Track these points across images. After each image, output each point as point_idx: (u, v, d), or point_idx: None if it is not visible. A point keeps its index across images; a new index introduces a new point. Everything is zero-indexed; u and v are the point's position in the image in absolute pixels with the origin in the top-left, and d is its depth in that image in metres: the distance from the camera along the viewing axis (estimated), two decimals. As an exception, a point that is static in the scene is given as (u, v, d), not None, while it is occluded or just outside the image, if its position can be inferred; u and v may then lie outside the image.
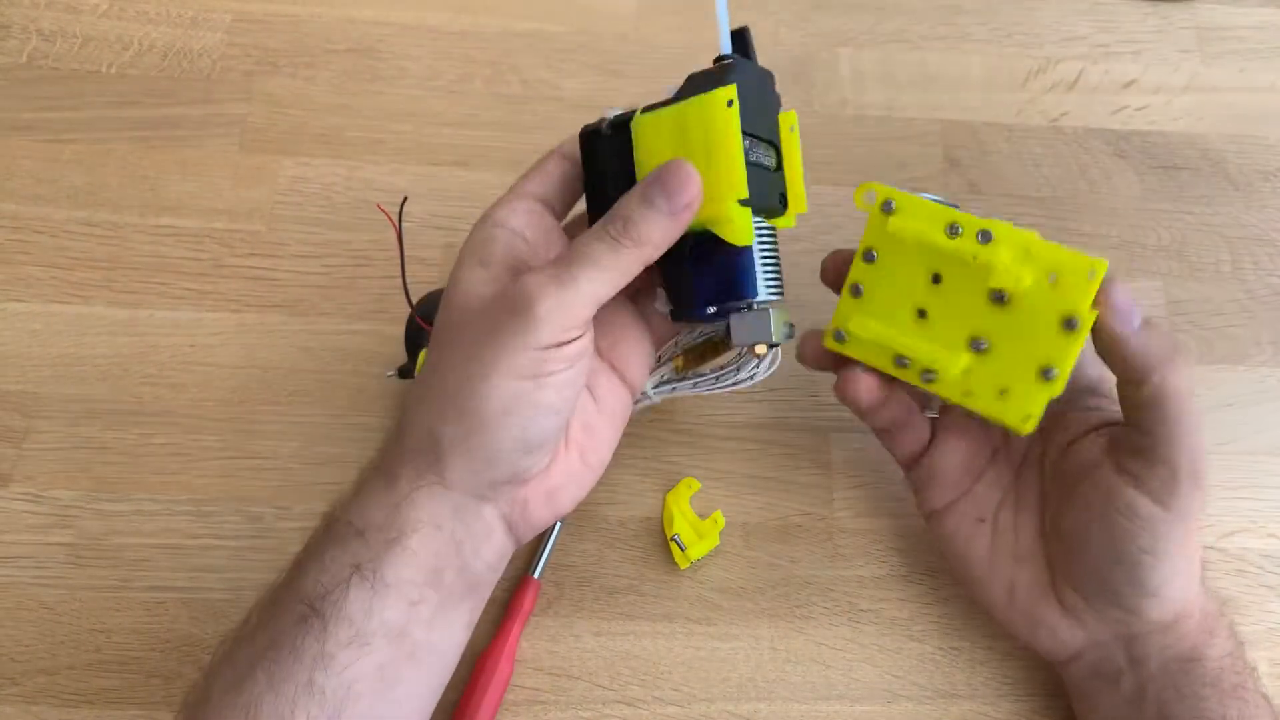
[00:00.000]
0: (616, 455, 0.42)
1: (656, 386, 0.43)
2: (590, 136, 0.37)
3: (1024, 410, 0.35)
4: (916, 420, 0.40)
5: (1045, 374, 0.34)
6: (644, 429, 0.48)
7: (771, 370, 0.40)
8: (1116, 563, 0.36)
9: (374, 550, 0.33)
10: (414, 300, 0.44)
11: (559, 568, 0.45)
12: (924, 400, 0.41)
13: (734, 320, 0.36)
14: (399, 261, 0.44)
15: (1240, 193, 0.55)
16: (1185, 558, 0.36)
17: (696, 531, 0.45)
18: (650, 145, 0.35)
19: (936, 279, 0.36)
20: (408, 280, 0.44)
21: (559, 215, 0.38)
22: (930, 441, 0.41)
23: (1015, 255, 0.34)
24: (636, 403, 0.41)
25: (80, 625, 0.43)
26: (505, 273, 0.35)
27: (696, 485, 0.46)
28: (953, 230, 0.35)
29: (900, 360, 0.36)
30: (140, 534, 0.45)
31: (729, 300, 0.36)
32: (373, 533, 0.34)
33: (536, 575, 0.44)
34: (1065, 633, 0.39)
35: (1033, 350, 0.34)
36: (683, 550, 0.44)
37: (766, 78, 0.36)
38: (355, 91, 0.55)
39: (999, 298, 0.34)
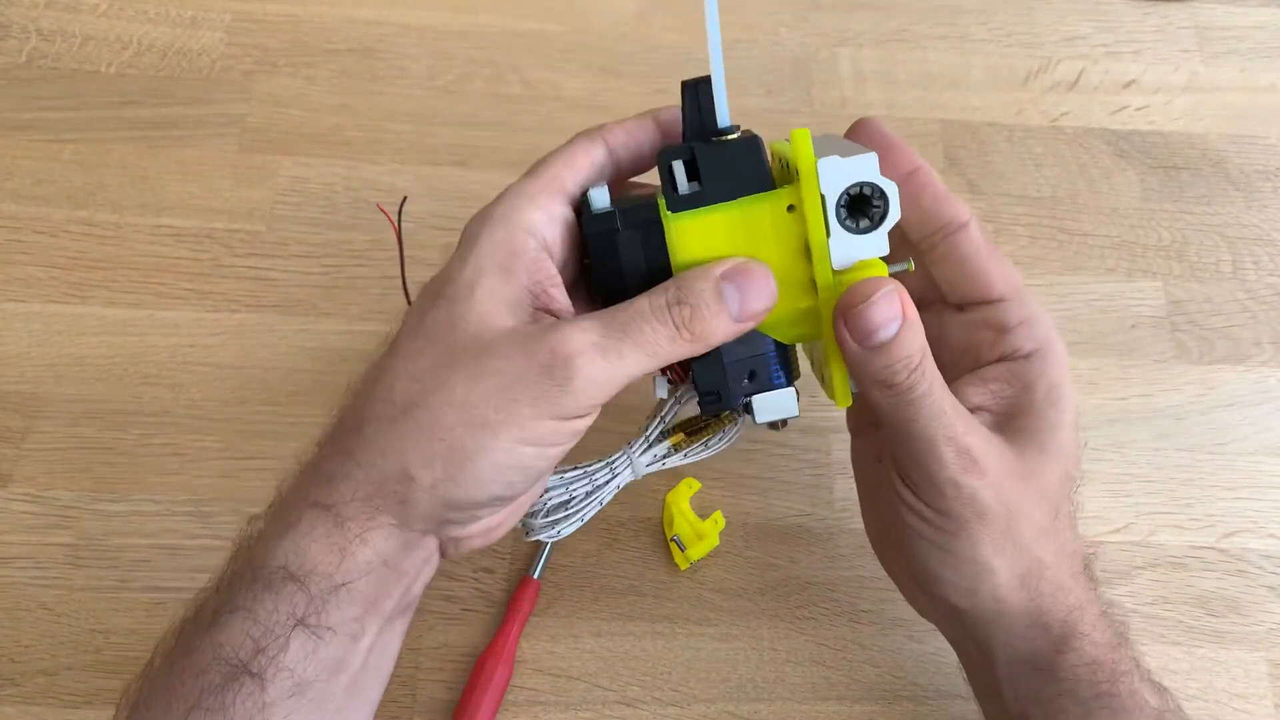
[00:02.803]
0: (616, 455, 0.42)
1: (651, 465, 0.39)
2: (605, 233, 0.32)
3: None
4: None
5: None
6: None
7: (740, 431, 0.39)
8: (907, 542, 0.34)
9: (317, 599, 0.30)
10: (413, 300, 0.44)
11: (559, 568, 0.45)
12: None
13: (757, 400, 0.34)
14: (399, 261, 0.44)
15: (1240, 193, 0.55)
16: (972, 559, 0.33)
17: (696, 532, 0.45)
18: (700, 251, 0.32)
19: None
20: (408, 280, 0.44)
21: None
22: None
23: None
24: (601, 484, 0.39)
25: (80, 626, 0.43)
26: (527, 296, 0.31)
27: (696, 485, 0.46)
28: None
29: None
30: (140, 534, 0.45)
31: (765, 390, 0.34)
32: (315, 579, 0.30)
33: (536, 575, 0.44)
34: (917, 597, 0.37)
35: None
36: (682, 551, 0.44)
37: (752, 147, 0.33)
38: (355, 91, 0.55)
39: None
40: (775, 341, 0.34)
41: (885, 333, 0.31)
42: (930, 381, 0.31)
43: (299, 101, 0.55)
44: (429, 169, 0.53)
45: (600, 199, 0.32)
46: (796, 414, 0.34)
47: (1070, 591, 0.34)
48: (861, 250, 0.32)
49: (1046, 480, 0.33)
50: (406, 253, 0.45)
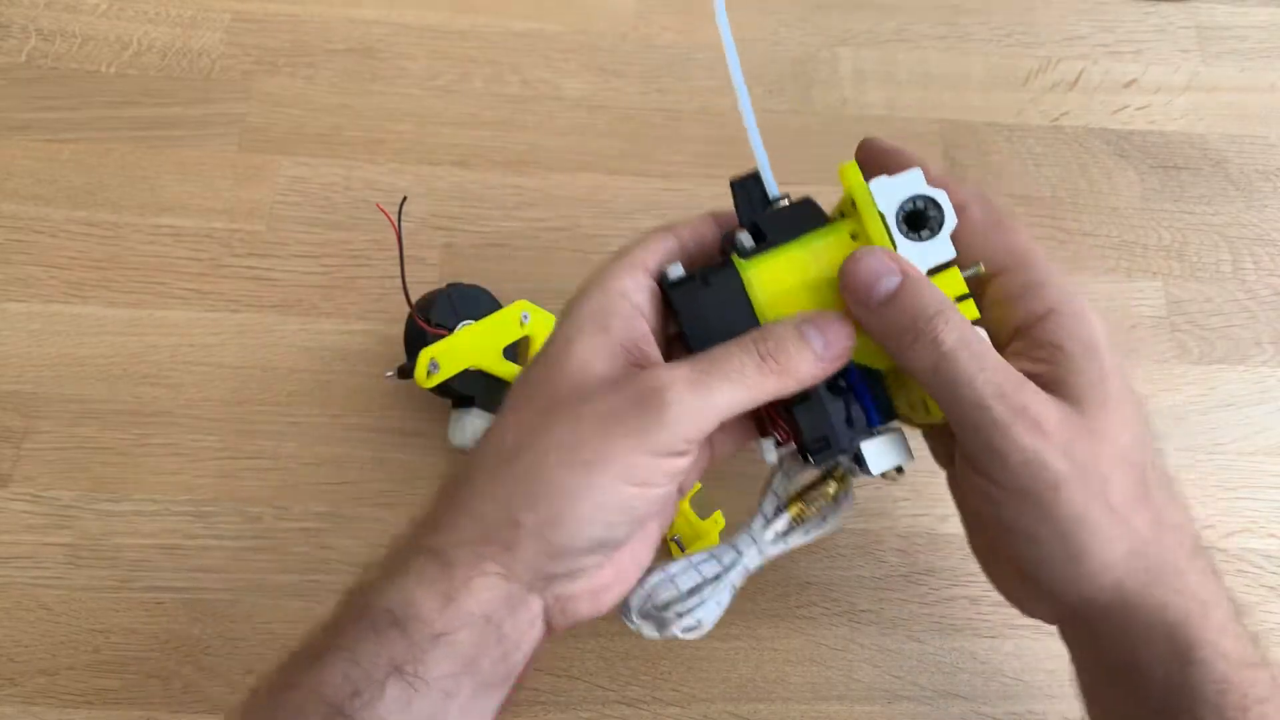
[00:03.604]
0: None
1: (775, 543, 0.38)
2: (690, 291, 0.34)
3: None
4: None
5: None
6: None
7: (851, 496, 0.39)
8: (994, 536, 0.33)
9: (417, 647, 0.30)
10: (413, 300, 0.44)
11: (559, 568, 0.45)
12: None
13: (866, 448, 0.34)
14: (398, 261, 0.44)
15: (1240, 193, 0.55)
16: (1063, 539, 0.31)
17: (696, 531, 0.45)
18: (776, 289, 0.34)
19: None
20: (407, 280, 0.44)
21: None
22: None
23: None
24: (729, 565, 0.38)
25: (79, 625, 0.43)
26: (623, 351, 0.32)
27: (697, 485, 0.46)
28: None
29: None
30: (139, 534, 0.45)
31: (871, 428, 0.34)
32: (417, 625, 0.30)
33: (536, 575, 0.44)
34: (1032, 602, 0.35)
35: None
36: (682, 550, 0.44)
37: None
38: (355, 91, 0.55)
39: None
40: (864, 379, 0.34)
41: (885, 285, 0.31)
42: (962, 332, 0.31)
43: (299, 101, 0.55)
44: (429, 169, 0.53)
45: (677, 271, 0.34)
46: (913, 458, 0.34)
47: (1184, 576, 0.31)
48: (929, 257, 0.33)
49: (1118, 437, 0.31)
50: (406, 253, 0.46)
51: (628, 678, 0.43)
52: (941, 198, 0.33)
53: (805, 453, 0.34)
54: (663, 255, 0.35)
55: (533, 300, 0.46)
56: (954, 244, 0.34)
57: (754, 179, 0.35)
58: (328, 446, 0.47)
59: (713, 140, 0.55)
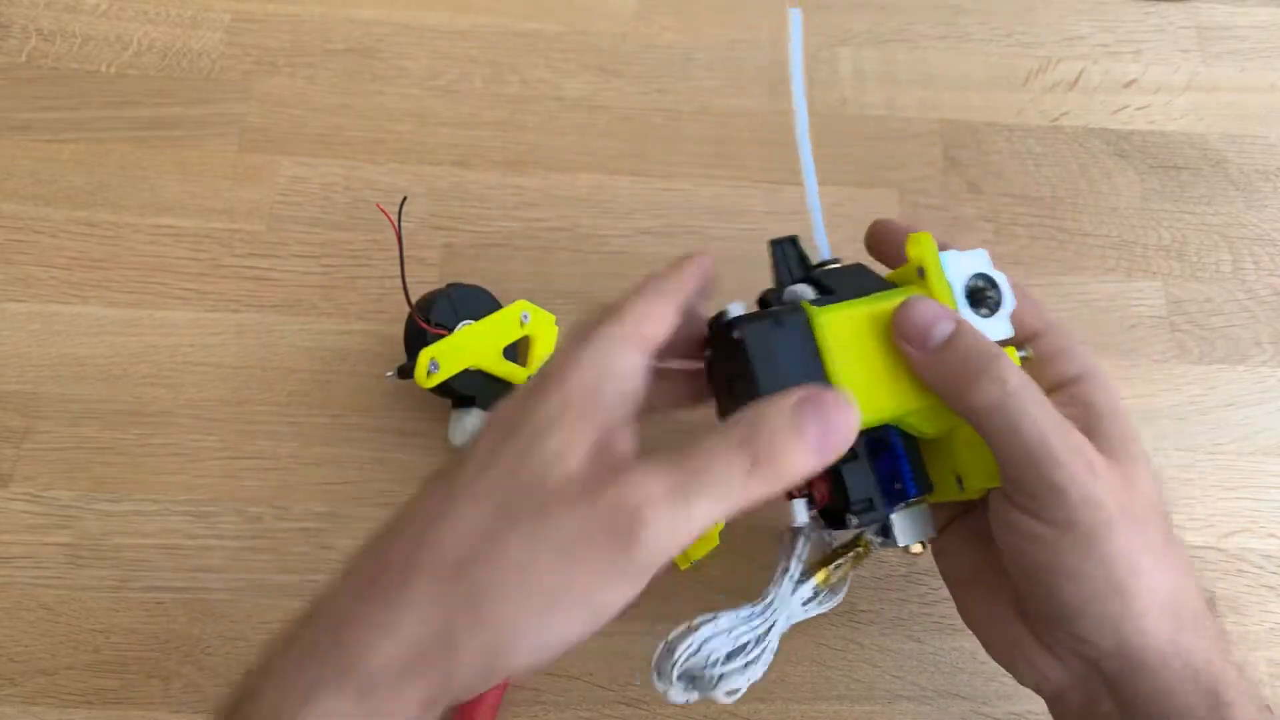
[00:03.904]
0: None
1: (805, 605, 0.37)
2: (756, 328, 0.32)
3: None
4: None
5: None
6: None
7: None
8: (1032, 581, 0.33)
9: None
10: (413, 300, 0.44)
11: (558, 568, 0.45)
12: None
13: (896, 520, 0.34)
14: (398, 261, 0.44)
15: (1240, 193, 0.55)
16: (1107, 579, 0.31)
17: (696, 532, 0.45)
18: (849, 339, 0.33)
19: None
20: (407, 280, 0.44)
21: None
22: None
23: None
24: (771, 625, 0.36)
25: (79, 625, 0.43)
26: (606, 438, 0.29)
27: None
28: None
29: None
30: (139, 534, 0.45)
31: (908, 499, 0.34)
32: None
33: (536, 575, 0.44)
34: (1041, 662, 0.34)
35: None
36: (683, 550, 0.44)
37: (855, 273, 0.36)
38: (354, 91, 0.55)
39: None
40: (904, 447, 0.35)
41: (941, 329, 0.32)
42: (1023, 378, 0.31)
43: (299, 101, 0.55)
44: (429, 169, 0.53)
45: (737, 310, 0.34)
46: (936, 534, 0.35)
47: (1208, 618, 0.32)
48: (990, 333, 0.33)
49: (1146, 489, 0.32)
50: (406, 253, 0.46)
51: (627, 678, 0.43)
52: (1003, 280, 0.34)
53: (846, 514, 0.34)
54: (664, 328, 0.31)
55: (533, 300, 0.46)
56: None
57: (791, 241, 0.36)
58: (328, 446, 0.47)
59: (713, 140, 0.55)
